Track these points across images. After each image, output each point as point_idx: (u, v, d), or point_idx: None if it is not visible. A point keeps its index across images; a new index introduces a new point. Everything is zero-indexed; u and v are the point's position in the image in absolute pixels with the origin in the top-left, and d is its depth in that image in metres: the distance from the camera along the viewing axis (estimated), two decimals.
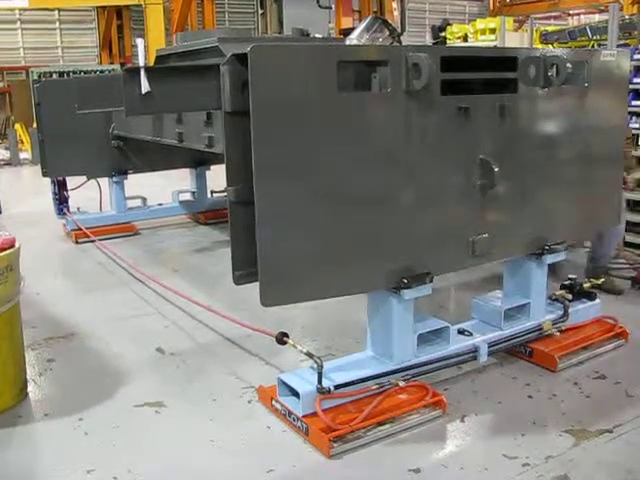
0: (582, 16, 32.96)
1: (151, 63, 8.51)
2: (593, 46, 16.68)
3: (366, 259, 3.70)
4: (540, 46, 17.04)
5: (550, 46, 17.20)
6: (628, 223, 7.16)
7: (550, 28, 21.43)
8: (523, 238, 4.43)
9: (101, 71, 19.69)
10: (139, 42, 5.45)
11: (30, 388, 4.44)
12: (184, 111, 5.98)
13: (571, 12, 32.62)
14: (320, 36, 7.05)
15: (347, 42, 4.86)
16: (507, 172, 4.06)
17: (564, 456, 3.53)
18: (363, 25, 4.92)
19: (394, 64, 3.55)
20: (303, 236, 3.47)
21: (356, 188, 3.57)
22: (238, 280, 3.52)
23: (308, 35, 6.53)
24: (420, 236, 3.86)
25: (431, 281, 3.88)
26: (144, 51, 5.36)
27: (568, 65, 4.13)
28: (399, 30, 18.80)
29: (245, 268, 3.48)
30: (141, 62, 5.25)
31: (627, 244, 7.02)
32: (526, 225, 4.41)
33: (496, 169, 3.92)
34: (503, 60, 4.13)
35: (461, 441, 3.74)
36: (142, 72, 5.04)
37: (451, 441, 3.75)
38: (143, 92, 5.09)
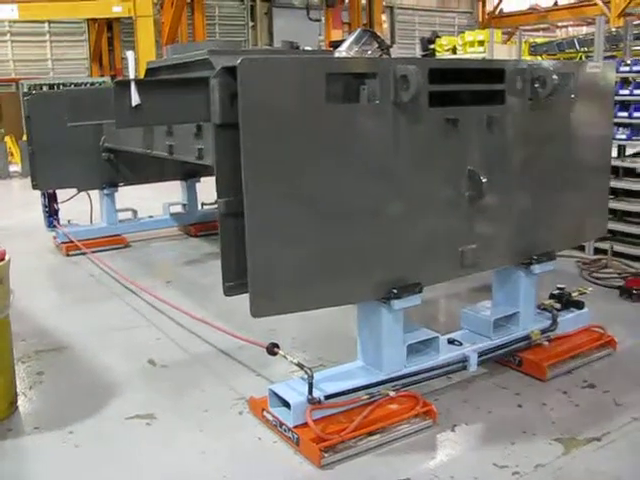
0: (570, 28, 33.26)
1: (141, 75, 8.54)
2: (581, 58, 16.82)
3: (355, 270, 3.71)
4: (529, 58, 17.19)
5: (539, 58, 17.36)
6: (617, 233, 7.23)
7: (539, 40, 21.62)
8: (511, 248, 4.46)
9: (92, 83, 19.77)
10: (129, 55, 5.49)
11: (20, 401, 4.42)
12: (174, 123, 6.00)
13: (559, 24, 32.90)
14: (310, 48, 7.09)
15: (336, 54, 4.91)
16: (495, 183, 4.10)
17: (553, 464, 3.56)
18: (352, 37, 4.98)
19: (382, 76, 3.58)
20: (293, 247, 3.49)
21: (345, 199, 3.59)
22: (228, 291, 3.54)
23: (297, 48, 6.58)
24: (409, 247, 3.89)
25: (420, 291, 3.90)
26: (134, 64, 5.40)
27: (554, 77, 4.17)
28: (388, 42, 18.96)
29: (235, 279, 3.50)
30: (131, 75, 5.29)
31: (616, 254, 7.08)
32: (514, 235, 4.43)
33: (484, 180, 3.96)
34: (490, 72, 4.17)
35: (451, 450, 3.75)
36: (132, 85, 5.08)
37: (441, 450, 3.76)
38: (133, 105, 5.12)
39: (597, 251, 7.32)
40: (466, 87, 4.03)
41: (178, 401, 4.41)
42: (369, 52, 4.96)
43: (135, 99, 5.11)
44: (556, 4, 30.98)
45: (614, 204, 7.12)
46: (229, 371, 4.79)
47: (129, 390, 4.57)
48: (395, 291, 3.80)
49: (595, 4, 26.09)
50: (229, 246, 3.48)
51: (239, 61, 3.17)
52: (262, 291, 3.41)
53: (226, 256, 3.50)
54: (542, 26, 32.86)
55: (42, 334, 5.63)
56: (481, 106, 4.08)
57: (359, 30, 5.03)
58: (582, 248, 7.36)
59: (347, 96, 3.71)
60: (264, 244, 3.38)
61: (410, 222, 3.87)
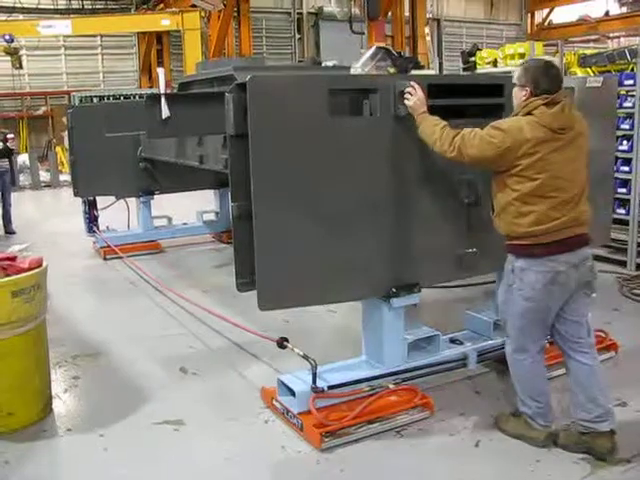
0: (622, 39, 32.66)
1: None
2: (632, 69, 16.59)
3: (356, 270, 3.99)
4: (578, 70, 17.06)
5: (588, 69, 17.18)
6: None
7: (589, 51, 21.41)
8: None
9: (140, 95, 20.32)
10: (160, 72, 5.90)
11: (55, 404, 4.60)
12: (201, 135, 6.34)
13: (611, 35, 32.37)
14: (331, 64, 7.36)
15: (352, 70, 5.22)
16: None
17: None
18: (368, 54, 5.28)
19: (383, 92, 3.88)
20: (298, 248, 3.79)
21: (347, 205, 3.89)
22: (241, 287, 3.84)
23: (320, 63, 6.89)
24: (408, 250, 4.15)
25: (419, 291, 4.17)
26: (164, 79, 5.81)
27: None
28: (432, 54, 18.97)
29: (247, 277, 3.79)
30: (162, 90, 5.69)
31: None
32: None
33: (481, 188, 4.20)
34: (491, 87, 4.42)
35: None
36: (162, 99, 5.48)
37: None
38: (163, 117, 5.52)
39: (639, 267, 7.24)
40: (464, 101, 4.26)
41: (207, 408, 4.52)
42: (385, 68, 5.22)
43: (165, 112, 5.51)
44: (607, 14, 30.51)
45: None
46: (260, 380, 4.78)
47: (160, 396, 4.70)
48: (394, 290, 4.07)
49: None
50: (241, 246, 3.78)
51: (248, 77, 3.49)
52: (268, 287, 3.71)
53: (239, 255, 3.81)
54: (592, 37, 32.35)
55: (80, 339, 5.82)
56: (479, 118, 4.29)
57: (374, 47, 5.33)
58: (624, 264, 7.31)
59: (352, 109, 4.01)
60: (271, 245, 3.68)
61: (411, 227, 4.13)
